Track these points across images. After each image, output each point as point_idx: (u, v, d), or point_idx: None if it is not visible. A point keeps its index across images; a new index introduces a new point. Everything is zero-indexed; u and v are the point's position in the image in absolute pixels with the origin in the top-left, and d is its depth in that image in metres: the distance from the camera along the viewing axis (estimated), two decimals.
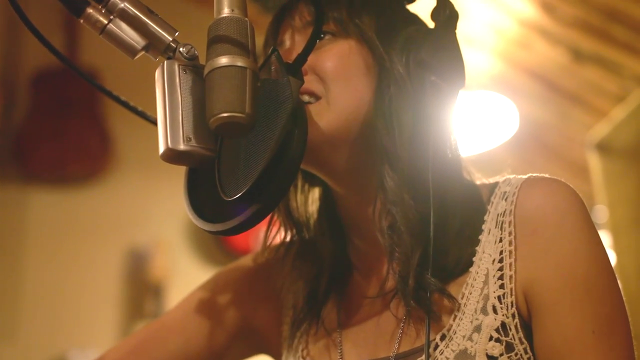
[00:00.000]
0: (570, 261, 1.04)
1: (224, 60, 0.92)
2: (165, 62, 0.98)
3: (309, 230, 1.24)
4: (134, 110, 1.18)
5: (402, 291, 1.09)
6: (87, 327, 3.49)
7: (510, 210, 1.09)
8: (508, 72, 3.87)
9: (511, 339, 1.04)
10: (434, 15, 1.17)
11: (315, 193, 1.26)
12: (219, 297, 1.33)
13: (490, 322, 1.05)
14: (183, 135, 0.95)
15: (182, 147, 0.95)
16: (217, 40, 0.94)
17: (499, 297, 1.06)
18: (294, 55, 1.06)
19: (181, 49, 0.99)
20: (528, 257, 1.06)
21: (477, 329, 1.05)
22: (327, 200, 1.24)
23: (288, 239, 1.27)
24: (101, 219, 3.73)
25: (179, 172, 1.13)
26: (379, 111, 1.11)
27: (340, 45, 1.13)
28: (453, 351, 1.05)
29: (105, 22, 0.98)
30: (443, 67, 1.13)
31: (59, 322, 3.49)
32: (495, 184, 1.15)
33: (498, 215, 1.10)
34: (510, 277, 1.06)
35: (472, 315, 1.06)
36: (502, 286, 1.06)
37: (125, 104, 1.19)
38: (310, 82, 1.08)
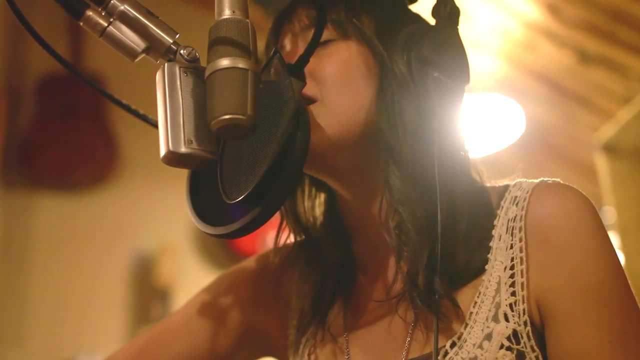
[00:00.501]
0: (584, 270, 1.03)
1: (225, 62, 0.92)
2: (166, 64, 0.98)
3: (316, 235, 1.23)
4: (136, 113, 1.18)
5: (410, 292, 1.08)
6: (94, 332, 3.49)
7: (521, 216, 1.07)
8: (514, 74, 3.86)
9: (523, 347, 1.03)
10: (435, 12, 1.16)
11: (322, 198, 1.26)
12: (224, 300, 1.33)
13: (502, 330, 1.03)
14: (184, 137, 0.94)
15: (183, 149, 0.94)
16: (218, 42, 0.94)
17: (510, 305, 1.04)
18: (295, 58, 1.05)
19: (182, 52, 0.99)
20: (540, 265, 1.05)
21: (488, 337, 1.04)
22: (332, 204, 1.23)
23: (294, 243, 1.26)
24: (107, 224, 3.74)
25: (185, 177, 1.12)
26: (382, 110, 1.10)
27: (340, 49, 1.13)
28: (463, 359, 1.04)
29: (105, 24, 0.98)
30: (446, 63, 1.12)
31: (65, 326, 3.49)
32: (506, 188, 1.13)
33: (509, 220, 1.08)
34: (522, 284, 1.05)
35: (484, 323, 1.05)
36: (513, 293, 1.05)
37: (126, 108, 1.19)
38: (307, 87, 1.08)
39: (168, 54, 0.99)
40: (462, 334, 1.05)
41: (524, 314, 1.04)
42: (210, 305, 1.32)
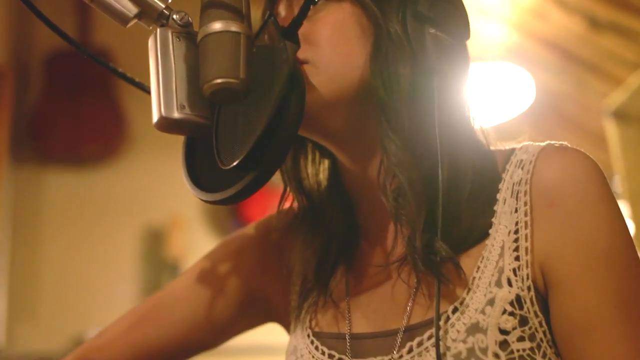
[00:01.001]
0: (591, 234, 1.01)
1: (217, 26, 0.91)
2: (158, 29, 0.97)
3: (320, 201, 1.22)
4: (131, 81, 1.17)
5: (412, 255, 1.06)
6: (105, 306, 3.51)
7: (527, 180, 1.05)
8: (524, 42, 3.83)
9: (526, 313, 1.02)
10: None
11: (326, 164, 1.24)
12: (225, 267, 1.32)
13: (505, 295, 1.02)
14: (177, 103, 0.93)
15: (175, 115, 0.93)
16: (210, 6, 0.93)
17: (514, 270, 1.03)
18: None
19: (174, 16, 0.97)
20: (545, 229, 1.03)
21: (491, 302, 1.02)
22: (336, 170, 1.22)
23: (297, 209, 1.25)
24: (117, 198, 3.75)
25: None
26: (376, 70, 1.08)
27: (333, 11, 1.11)
28: (464, 324, 1.03)
29: None
30: (443, 19, 1.10)
31: (76, 301, 3.51)
32: (512, 151, 1.11)
33: (514, 184, 1.07)
34: (526, 248, 1.03)
35: (486, 288, 1.03)
36: (517, 258, 1.03)
37: (127, 78, 1.18)
38: (300, 50, 1.06)
39: (160, 19, 0.98)
40: (464, 299, 1.04)
41: (527, 278, 1.02)
42: (212, 272, 1.32)
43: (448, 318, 1.04)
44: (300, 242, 1.24)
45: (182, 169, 1.11)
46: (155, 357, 1.31)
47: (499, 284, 1.03)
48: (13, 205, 3.55)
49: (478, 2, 3.46)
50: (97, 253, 3.61)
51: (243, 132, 0.98)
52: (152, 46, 0.97)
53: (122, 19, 0.97)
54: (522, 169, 1.07)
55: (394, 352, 1.08)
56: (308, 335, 1.19)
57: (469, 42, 1.15)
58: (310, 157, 1.24)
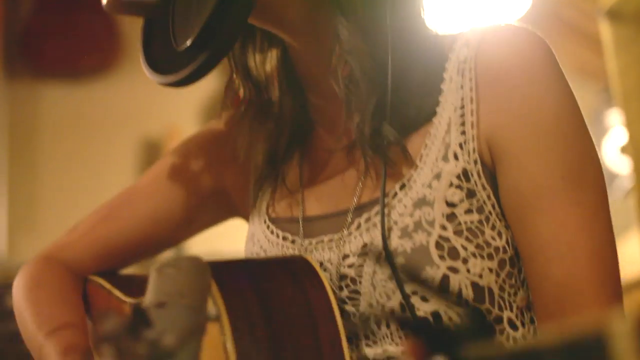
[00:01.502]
0: (536, 106, 1.02)
1: None
2: None
3: (268, 90, 1.22)
4: None
5: (360, 141, 1.08)
6: None
7: (473, 56, 1.06)
8: None
9: (473, 185, 1.03)
10: None
11: (274, 53, 1.24)
12: (189, 161, 1.34)
13: (451, 169, 1.04)
14: None
15: None
16: None
17: (460, 144, 1.04)
18: None
19: None
20: (490, 102, 1.04)
21: (437, 176, 1.04)
22: (286, 59, 1.22)
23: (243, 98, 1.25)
24: (113, 111, 3.76)
25: None
26: None
27: None
28: (411, 199, 1.05)
29: None
30: None
31: (75, 212, 3.54)
32: (460, 33, 1.12)
33: (460, 62, 1.07)
34: (472, 123, 1.04)
35: (433, 163, 1.05)
36: (463, 132, 1.05)
37: None
38: None
39: None
40: (412, 175, 1.06)
41: (474, 152, 1.04)
42: (176, 166, 1.33)
43: (395, 194, 1.06)
44: (253, 134, 1.24)
45: (140, 53, 1.11)
46: (119, 253, 1.33)
47: (445, 158, 1.04)
48: (9, 120, 3.57)
49: None
50: (95, 165, 3.63)
51: (196, 13, 0.98)
52: None
53: None
54: (469, 47, 1.07)
55: (344, 230, 1.10)
56: (264, 221, 1.22)
57: None
58: (258, 46, 1.23)
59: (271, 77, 1.22)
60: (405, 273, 1.02)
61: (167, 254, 1.35)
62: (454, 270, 1.02)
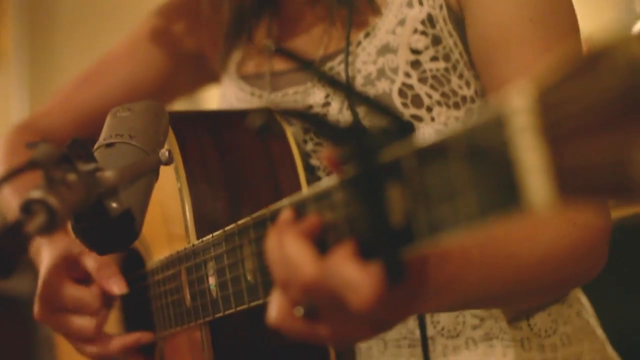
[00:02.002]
0: None
1: None
2: None
3: None
4: None
5: None
6: None
7: None
8: None
9: (439, 32, 1.00)
10: None
11: None
12: (167, 23, 1.31)
13: (415, 14, 1.00)
14: None
15: None
16: None
17: None
18: None
19: None
20: None
21: (402, 22, 1.01)
22: None
23: None
24: None
25: None
26: None
27: None
28: (375, 47, 1.02)
29: None
30: None
31: None
32: None
33: None
34: None
35: (398, 9, 1.02)
36: None
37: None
38: None
39: None
40: (376, 23, 1.03)
41: None
42: (153, 29, 1.31)
43: (359, 43, 1.04)
44: None
45: None
46: (96, 120, 1.31)
47: (410, 4, 1.01)
48: (28, 10, 3.56)
49: None
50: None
51: None
52: None
53: None
54: None
55: (308, 82, 1.07)
56: (233, 79, 1.20)
57: None
58: None
59: None
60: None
61: None
62: (418, 118, 0.99)
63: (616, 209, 1.08)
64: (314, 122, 0.63)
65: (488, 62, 0.99)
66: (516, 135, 0.46)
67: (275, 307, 0.68)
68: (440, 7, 1.00)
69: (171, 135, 1.01)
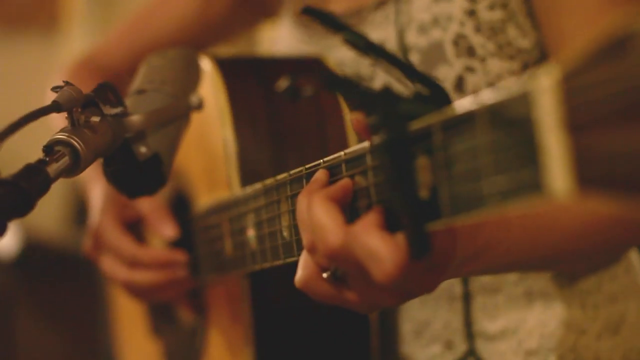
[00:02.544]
0: None
1: None
2: None
3: None
4: None
5: None
6: None
7: None
8: None
9: None
10: None
11: None
12: None
13: None
14: None
15: None
16: None
17: None
18: None
19: None
20: None
21: None
22: None
23: None
24: None
25: None
26: None
27: None
28: None
29: None
30: None
31: None
32: None
33: None
34: None
35: None
36: None
37: None
38: None
39: None
40: None
41: None
42: None
43: None
44: None
45: None
46: None
47: None
48: None
49: None
50: None
51: None
52: None
53: None
54: None
55: (360, 26, 1.04)
56: (288, 21, 1.17)
57: None
58: None
59: None
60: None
61: None
62: (471, 69, 0.96)
63: None
64: (343, 86, 0.61)
65: (551, 12, 0.94)
66: (540, 114, 0.44)
67: (302, 269, 0.68)
68: None
69: (219, 82, 1.00)
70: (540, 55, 0.97)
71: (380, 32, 1.01)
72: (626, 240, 0.91)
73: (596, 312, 1.00)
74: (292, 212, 0.75)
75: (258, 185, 0.85)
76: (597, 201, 0.41)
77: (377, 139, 0.58)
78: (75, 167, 0.70)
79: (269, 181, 0.82)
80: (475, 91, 0.95)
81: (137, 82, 0.87)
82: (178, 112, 0.83)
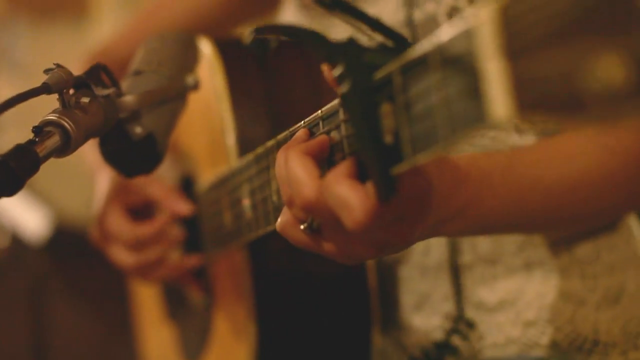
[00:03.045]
0: None
1: None
2: None
3: None
4: None
5: None
6: None
7: None
8: None
9: None
10: None
11: None
12: None
13: None
14: None
15: None
16: None
17: None
18: None
19: None
20: None
21: None
22: None
23: None
24: None
25: None
26: None
27: None
28: None
29: None
30: None
31: None
32: None
33: None
34: None
35: None
36: None
37: None
38: None
39: None
40: None
41: None
42: None
43: None
44: None
45: None
46: None
47: None
48: None
49: None
50: None
51: None
52: None
53: None
54: None
55: None
56: (297, 7, 1.18)
57: None
58: None
59: None
60: None
61: None
62: None
63: None
64: (308, 37, 0.63)
65: None
66: (480, 46, 0.46)
67: (282, 220, 0.71)
68: None
69: (218, 63, 1.02)
70: None
71: (379, 6, 1.02)
72: (613, 201, 0.91)
73: (595, 282, 1.00)
74: None
75: (250, 155, 0.87)
76: (539, 122, 0.42)
77: (342, 89, 0.60)
78: (66, 147, 0.72)
79: (260, 149, 0.84)
80: None
81: (135, 64, 0.89)
82: (174, 93, 0.85)
